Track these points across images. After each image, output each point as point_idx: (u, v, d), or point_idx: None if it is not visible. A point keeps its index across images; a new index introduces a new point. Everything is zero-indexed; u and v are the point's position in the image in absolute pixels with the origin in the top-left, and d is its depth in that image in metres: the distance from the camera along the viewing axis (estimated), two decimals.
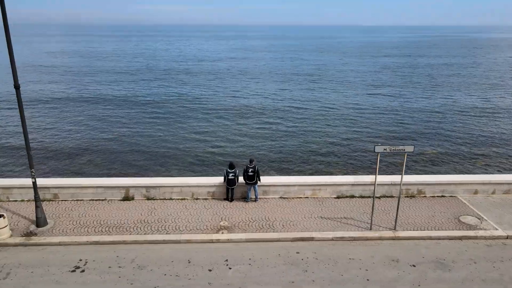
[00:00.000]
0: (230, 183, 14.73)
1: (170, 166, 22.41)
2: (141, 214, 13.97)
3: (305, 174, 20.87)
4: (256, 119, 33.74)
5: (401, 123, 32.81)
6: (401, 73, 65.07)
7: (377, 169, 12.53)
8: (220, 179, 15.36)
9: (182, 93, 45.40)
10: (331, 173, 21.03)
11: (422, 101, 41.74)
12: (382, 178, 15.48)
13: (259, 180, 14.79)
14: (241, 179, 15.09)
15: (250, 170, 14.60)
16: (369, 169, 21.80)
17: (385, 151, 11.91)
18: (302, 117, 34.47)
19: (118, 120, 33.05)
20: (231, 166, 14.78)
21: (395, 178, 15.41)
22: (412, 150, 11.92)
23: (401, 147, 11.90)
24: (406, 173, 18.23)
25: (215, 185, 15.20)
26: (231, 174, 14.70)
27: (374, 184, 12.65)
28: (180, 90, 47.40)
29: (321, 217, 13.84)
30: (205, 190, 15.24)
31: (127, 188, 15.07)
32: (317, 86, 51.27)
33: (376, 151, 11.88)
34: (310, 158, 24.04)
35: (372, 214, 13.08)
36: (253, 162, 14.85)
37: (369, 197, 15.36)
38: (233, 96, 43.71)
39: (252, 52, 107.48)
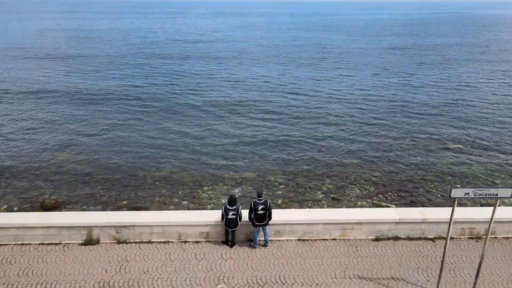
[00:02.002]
0: (230, 224, 10.71)
1: (150, 181, 18.41)
2: (107, 271, 9.99)
3: (324, 194, 16.90)
4: (259, 115, 29.44)
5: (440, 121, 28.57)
6: (425, 57, 60.19)
7: (451, 221, 8.41)
8: (216, 214, 11.35)
9: (175, 82, 40.80)
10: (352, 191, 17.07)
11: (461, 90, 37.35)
12: (435, 213, 11.52)
13: (270, 219, 10.80)
14: (245, 214, 11.11)
15: (260, 207, 10.56)
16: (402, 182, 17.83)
17: (466, 196, 7.84)
18: (309, 112, 30.20)
19: (92, 116, 28.75)
20: (232, 201, 10.71)
21: (459, 215, 11.39)
22: (509, 195, 7.85)
23: (492, 191, 7.84)
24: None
25: (209, 224, 11.19)
26: (231, 213, 10.66)
27: (446, 240, 8.67)
28: (173, 78, 42.77)
29: (359, 277, 9.89)
30: (196, 230, 11.22)
31: (89, 228, 11.05)
32: (326, 70, 46.64)
33: (452, 195, 7.83)
34: (326, 170, 19.99)
35: (440, 277, 9.13)
36: (263, 196, 10.82)
37: (419, 239, 11.40)
38: (233, 86, 39.18)
39: (252, 31, 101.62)
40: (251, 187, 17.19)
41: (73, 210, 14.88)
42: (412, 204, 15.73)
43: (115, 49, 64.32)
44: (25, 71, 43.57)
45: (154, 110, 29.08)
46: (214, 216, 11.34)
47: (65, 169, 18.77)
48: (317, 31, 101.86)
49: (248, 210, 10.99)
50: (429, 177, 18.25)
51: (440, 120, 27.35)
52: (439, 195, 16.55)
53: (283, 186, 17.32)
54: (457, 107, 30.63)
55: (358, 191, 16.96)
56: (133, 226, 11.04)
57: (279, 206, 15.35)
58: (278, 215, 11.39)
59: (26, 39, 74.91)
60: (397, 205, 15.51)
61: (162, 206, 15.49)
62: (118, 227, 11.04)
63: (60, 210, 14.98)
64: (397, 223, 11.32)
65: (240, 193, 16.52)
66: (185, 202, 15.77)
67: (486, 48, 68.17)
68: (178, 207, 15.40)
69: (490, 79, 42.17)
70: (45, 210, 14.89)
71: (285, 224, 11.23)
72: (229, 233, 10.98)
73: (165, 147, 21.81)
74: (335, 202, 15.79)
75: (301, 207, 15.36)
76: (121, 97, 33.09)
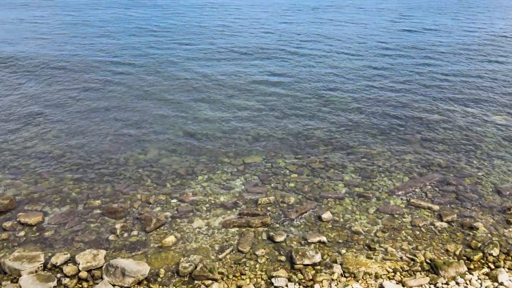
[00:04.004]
0: None
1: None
2: None
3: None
4: (262, 77, 25.38)
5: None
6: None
7: None
8: None
9: (157, 33, 35.89)
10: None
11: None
12: None
13: None
14: None
15: None
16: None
17: None
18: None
19: (59, 84, 24.76)
20: None
21: None
22: None
23: None
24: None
25: None
26: None
27: None
28: (153, 28, 37.78)
29: None
30: None
31: None
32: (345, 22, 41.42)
33: None
34: (346, 151, 16.56)
35: None
36: None
37: None
38: (229, 36, 34.43)
39: None
40: (256, 176, 13.95)
41: (32, 213, 11.73)
42: (459, 202, 12.56)
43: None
44: None
45: (135, 72, 24.97)
46: None
47: (27, 152, 15.36)
48: None
49: None
50: (475, 163, 14.91)
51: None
52: (490, 189, 13.28)
53: (296, 175, 14.02)
54: None
55: (389, 181, 13.70)
56: None
57: (291, 207, 12.17)
58: None
59: None
60: (441, 204, 12.37)
61: (145, 207, 12.32)
62: None
63: (16, 214, 11.77)
64: None
65: (243, 186, 13.31)
66: (174, 201, 12.60)
67: None
68: (165, 208, 12.23)
69: None
70: None
71: None
72: None
73: (151, 120, 18.22)
74: (362, 201, 12.60)
75: (319, 207, 12.20)
76: (92, 59, 28.85)
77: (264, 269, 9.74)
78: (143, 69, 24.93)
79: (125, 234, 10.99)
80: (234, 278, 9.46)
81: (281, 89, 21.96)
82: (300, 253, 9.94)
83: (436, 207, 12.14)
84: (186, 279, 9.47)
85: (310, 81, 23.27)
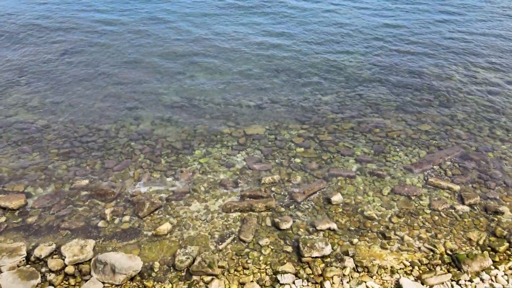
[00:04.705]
0: None
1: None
2: None
3: None
4: (265, 35, 23.18)
5: None
6: None
7: None
8: None
9: None
10: None
11: None
12: None
13: None
14: None
15: None
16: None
17: None
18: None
19: (45, 41, 22.69)
20: None
21: None
22: None
23: None
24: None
25: None
26: None
27: None
28: None
29: None
30: None
31: None
32: None
33: None
34: (358, 121, 15.17)
35: None
36: None
37: None
38: None
39: None
40: (258, 151, 12.75)
41: (14, 196, 10.69)
42: (481, 181, 11.46)
43: None
44: None
45: (122, 31, 22.75)
46: None
47: (8, 122, 14.03)
48: None
49: None
50: (498, 134, 13.59)
51: None
52: None
53: (302, 149, 12.81)
54: None
55: (404, 157, 12.51)
56: None
57: (298, 187, 11.08)
58: None
59: None
60: (462, 184, 11.28)
61: (136, 185, 11.25)
62: None
63: None
64: None
65: (245, 162, 12.15)
66: (169, 179, 11.50)
67: None
68: (160, 189, 11.16)
69: None
70: None
71: None
72: None
73: (144, 86, 16.64)
74: (375, 179, 11.51)
75: (328, 187, 11.10)
76: (76, 17, 26.41)
77: (268, 262, 8.85)
78: (132, 28, 22.65)
79: (116, 220, 10.01)
80: (236, 273, 8.59)
81: (284, 51, 20.06)
82: (308, 244, 9.00)
83: (457, 187, 11.06)
84: (183, 274, 8.61)
85: (316, 42, 21.25)
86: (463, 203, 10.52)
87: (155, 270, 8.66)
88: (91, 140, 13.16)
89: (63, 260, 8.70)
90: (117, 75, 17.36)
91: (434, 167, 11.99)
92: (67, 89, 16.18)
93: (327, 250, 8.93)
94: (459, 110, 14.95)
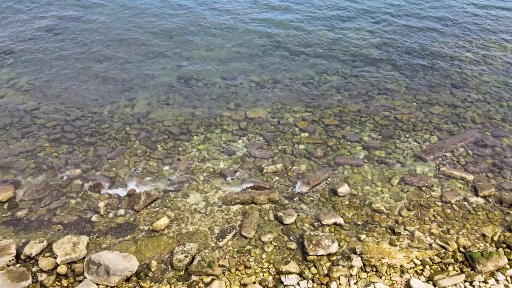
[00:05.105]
0: None
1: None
2: None
3: None
4: (266, 10, 21.82)
5: None
6: None
7: None
8: None
9: None
10: None
11: None
12: None
13: None
14: None
15: None
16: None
17: None
18: None
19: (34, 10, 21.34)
20: None
21: None
22: None
23: None
24: None
25: None
26: None
27: None
28: None
29: None
30: None
31: None
32: None
33: None
34: (365, 104, 14.34)
35: None
36: None
37: None
38: None
39: None
40: (260, 136, 12.06)
41: (2, 187, 10.09)
42: (496, 170, 10.84)
43: None
44: None
45: (114, 5, 21.41)
46: None
47: None
48: None
49: None
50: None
51: None
52: None
53: (307, 134, 12.12)
54: None
55: (414, 143, 11.84)
56: None
57: (302, 177, 10.47)
58: None
59: None
60: (476, 173, 10.68)
61: (132, 176, 10.65)
62: None
63: None
64: None
65: (246, 149, 11.50)
66: (166, 168, 10.89)
67: None
68: (156, 180, 10.56)
69: None
70: None
71: None
72: None
73: (138, 64, 15.71)
74: (383, 167, 10.89)
75: (334, 177, 10.51)
76: None
77: (271, 260, 8.39)
78: (121, 0, 21.41)
79: (111, 214, 9.49)
80: (237, 272, 8.15)
81: (286, 26, 18.91)
82: (313, 241, 8.50)
83: (470, 177, 10.47)
84: (181, 273, 8.17)
85: (321, 17, 20.07)
86: (477, 195, 9.96)
87: (152, 270, 8.22)
88: (84, 124, 12.43)
89: (55, 259, 8.25)
90: (108, 53, 16.36)
91: (447, 154, 11.36)
92: (57, 69, 15.25)
93: (334, 248, 8.45)
94: (472, 91, 14.13)
